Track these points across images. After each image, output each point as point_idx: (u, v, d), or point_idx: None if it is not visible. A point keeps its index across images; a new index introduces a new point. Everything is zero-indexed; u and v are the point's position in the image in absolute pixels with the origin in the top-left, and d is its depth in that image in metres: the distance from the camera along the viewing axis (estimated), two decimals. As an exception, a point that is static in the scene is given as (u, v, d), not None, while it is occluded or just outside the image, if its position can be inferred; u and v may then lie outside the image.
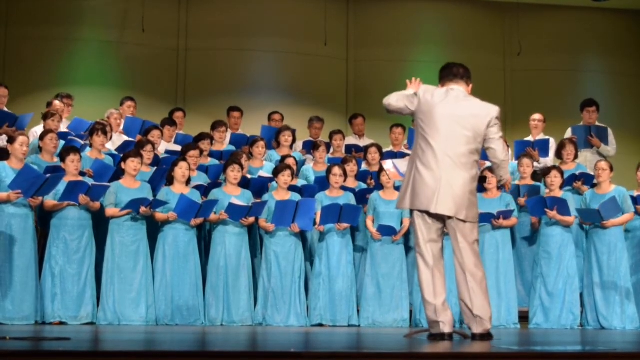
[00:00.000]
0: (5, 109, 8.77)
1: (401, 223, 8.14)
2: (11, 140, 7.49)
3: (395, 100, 5.34)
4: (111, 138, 8.88)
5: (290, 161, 8.64)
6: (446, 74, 5.34)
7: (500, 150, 5.27)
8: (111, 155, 8.44)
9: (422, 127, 5.20)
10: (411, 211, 5.28)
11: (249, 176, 8.54)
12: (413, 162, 5.22)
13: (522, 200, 8.40)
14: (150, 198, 7.64)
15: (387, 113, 5.46)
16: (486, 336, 5.02)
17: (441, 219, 5.15)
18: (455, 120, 5.13)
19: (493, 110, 5.23)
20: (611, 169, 8.33)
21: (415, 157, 5.22)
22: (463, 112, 5.17)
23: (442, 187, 5.07)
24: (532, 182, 8.69)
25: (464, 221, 5.10)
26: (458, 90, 5.25)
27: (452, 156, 5.10)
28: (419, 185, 5.13)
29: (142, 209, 7.53)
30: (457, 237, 5.12)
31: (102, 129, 8.26)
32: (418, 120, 5.25)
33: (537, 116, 9.92)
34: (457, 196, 5.07)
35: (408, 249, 8.37)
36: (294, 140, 9.72)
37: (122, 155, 8.00)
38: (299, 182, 8.72)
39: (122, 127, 9.40)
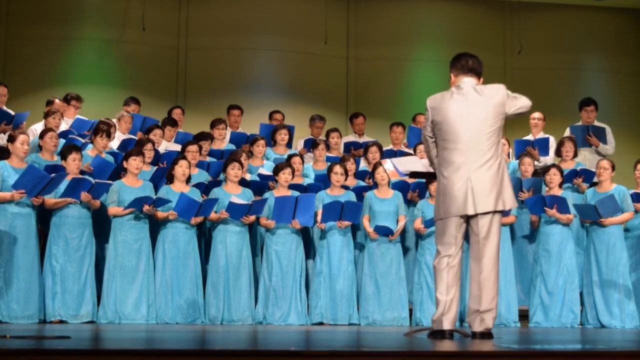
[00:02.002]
0: (4, 108, 8.78)
1: (397, 222, 8.15)
2: (12, 139, 7.49)
3: (425, 148, 5.35)
4: (114, 138, 8.89)
5: (295, 160, 8.65)
6: (459, 67, 5.23)
7: (527, 105, 5.24)
8: (112, 154, 8.44)
9: (441, 134, 5.15)
10: (437, 220, 5.21)
11: (248, 175, 8.55)
12: (439, 172, 5.16)
13: (523, 195, 8.38)
14: (153, 196, 7.65)
15: (432, 163, 5.40)
16: (486, 335, 5.01)
17: (467, 219, 5.11)
18: (469, 116, 5.07)
19: (503, 92, 5.15)
20: (613, 168, 8.32)
21: (440, 167, 5.17)
22: (477, 106, 5.09)
23: (473, 187, 5.01)
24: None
25: (495, 213, 5.06)
26: (467, 83, 5.17)
27: (476, 153, 5.04)
28: (448, 192, 5.07)
29: (145, 208, 7.54)
30: (484, 231, 5.05)
31: (106, 130, 8.25)
32: (435, 130, 5.19)
33: (537, 115, 9.92)
34: (490, 192, 5.01)
35: (405, 248, 8.38)
36: (290, 139, 9.72)
37: (123, 154, 8.00)
38: (304, 181, 8.73)
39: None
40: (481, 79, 5.27)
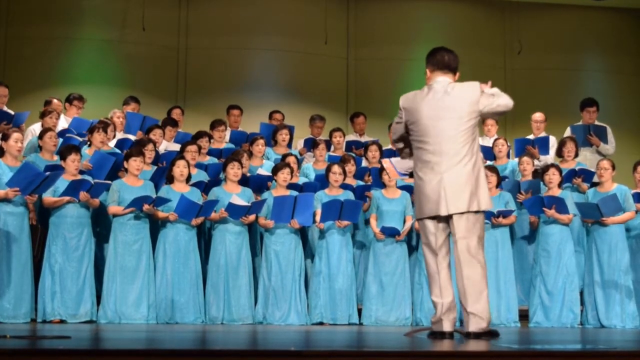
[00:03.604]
0: (5, 108, 8.77)
1: (404, 222, 8.15)
2: (5, 137, 7.49)
3: (393, 133, 5.33)
4: (114, 137, 8.89)
5: (290, 159, 8.65)
6: (434, 62, 5.20)
7: (504, 103, 5.05)
8: (112, 153, 8.44)
9: (414, 134, 5.14)
10: (417, 220, 5.21)
11: (248, 174, 8.55)
12: (415, 172, 5.15)
13: (522, 196, 8.40)
14: (153, 196, 7.64)
15: (399, 148, 5.39)
16: (481, 335, 4.94)
17: (446, 219, 5.08)
18: (442, 116, 5.02)
19: (475, 89, 5.06)
20: (613, 167, 8.33)
21: (415, 165, 5.16)
22: (449, 104, 5.04)
23: (446, 187, 4.98)
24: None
25: (471, 213, 5.00)
26: (441, 82, 5.12)
27: (449, 154, 5.00)
28: (423, 192, 5.07)
29: (145, 207, 7.54)
30: (460, 231, 5.01)
31: (103, 127, 8.26)
32: (410, 129, 5.17)
33: (538, 115, 9.92)
34: (461, 191, 4.97)
35: (410, 247, 8.38)
36: (291, 139, 9.73)
37: (124, 154, 8.00)
38: (300, 180, 8.73)
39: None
40: (457, 75, 5.21)
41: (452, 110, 5.04)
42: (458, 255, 5.03)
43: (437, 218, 5.09)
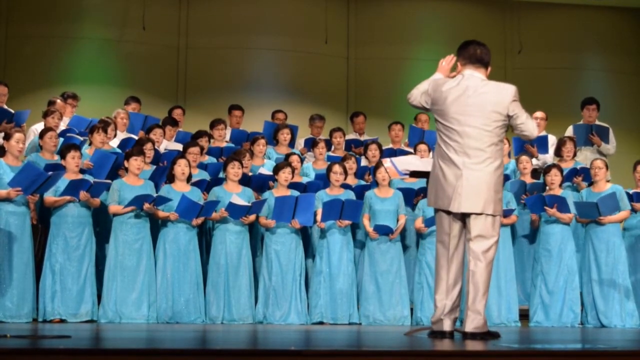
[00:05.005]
0: (5, 107, 8.78)
1: (397, 221, 8.14)
2: (7, 137, 7.50)
3: (414, 98, 5.25)
4: (115, 136, 8.89)
5: (294, 158, 8.65)
6: (467, 56, 5.13)
7: (530, 128, 5.06)
8: (112, 153, 8.44)
9: (440, 123, 5.07)
10: (435, 208, 5.16)
11: (249, 174, 8.55)
12: (436, 159, 5.09)
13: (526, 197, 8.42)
14: (154, 195, 7.64)
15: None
16: (478, 335, 4.90)
17: (462, 217, 5.03)
18: (471, 112, 4.96)
19: (508, 93, 5.04)
20: (607, 167, 8.35)
21: (437, 154, 5.09)
22: (478, 101, 4.98)
23: (463, 184, 4.92)
24: (532, 180, 8.71)
25: (489, 215, 4.94)
26: (473, 76, 5.07)
27: (472, 151, 4.94)
28: (440, 184, 5.01)
29: (146, 206, 7.54)
30: (476, 231, 4.95)
31: (103, 127, 8.27)
32: (435, 116, 5.12)
33: (539, 114, 9.92)
34: (478, 192, 4.91)
35: (405, 247, 8.38)
36: (292, 138, 9.72)
37: (125, 154, 8.01)
38: (303, 180, 8.74)
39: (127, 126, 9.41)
40: (489, 69, 5.18)
41: (480, 108, 4.99)
42: (469, 254, 5.00)
43: (452, 214, 5.04)
